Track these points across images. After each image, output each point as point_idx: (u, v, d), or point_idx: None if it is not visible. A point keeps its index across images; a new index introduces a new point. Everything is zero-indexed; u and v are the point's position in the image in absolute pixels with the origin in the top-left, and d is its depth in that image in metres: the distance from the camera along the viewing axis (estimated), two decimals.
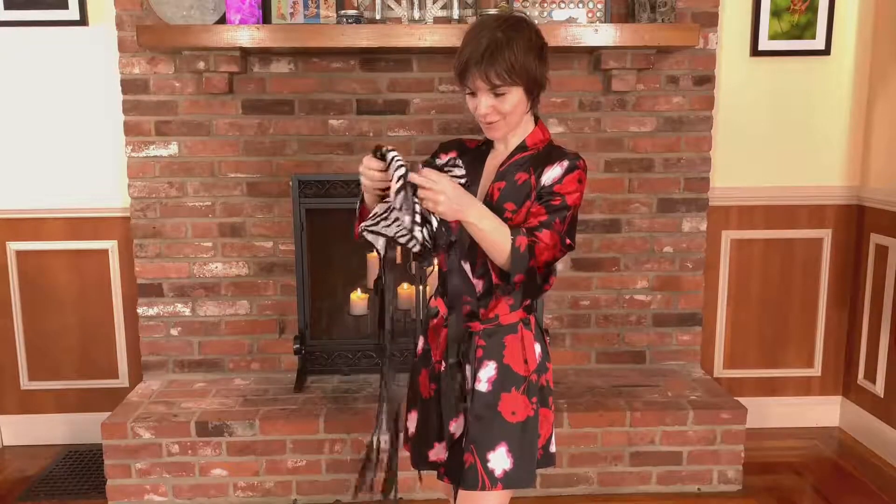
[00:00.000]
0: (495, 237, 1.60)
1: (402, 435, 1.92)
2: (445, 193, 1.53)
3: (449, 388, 1.76)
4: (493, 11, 2.77)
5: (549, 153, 1.72)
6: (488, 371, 1.74)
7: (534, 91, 1.69)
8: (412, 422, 1.91)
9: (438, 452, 1.83)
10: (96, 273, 3.17)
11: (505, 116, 1.67)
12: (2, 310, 3.17)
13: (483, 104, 1.66)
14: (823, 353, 3.36)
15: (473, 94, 1.67)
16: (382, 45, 2.73)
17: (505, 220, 1.66)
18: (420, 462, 1.87)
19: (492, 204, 1.70)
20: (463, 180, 1.71)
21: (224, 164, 3.01)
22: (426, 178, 1.53)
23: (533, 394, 1.76)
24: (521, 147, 1.74)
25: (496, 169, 1.75)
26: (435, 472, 1.87)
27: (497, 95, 1.64)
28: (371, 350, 3.13)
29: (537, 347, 1.79)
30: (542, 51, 1.68)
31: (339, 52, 2.90)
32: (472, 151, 1.83)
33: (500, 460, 1.72)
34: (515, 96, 1.65)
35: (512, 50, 1.61)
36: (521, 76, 1.63)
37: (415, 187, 1.53)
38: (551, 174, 1.68)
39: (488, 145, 1.81)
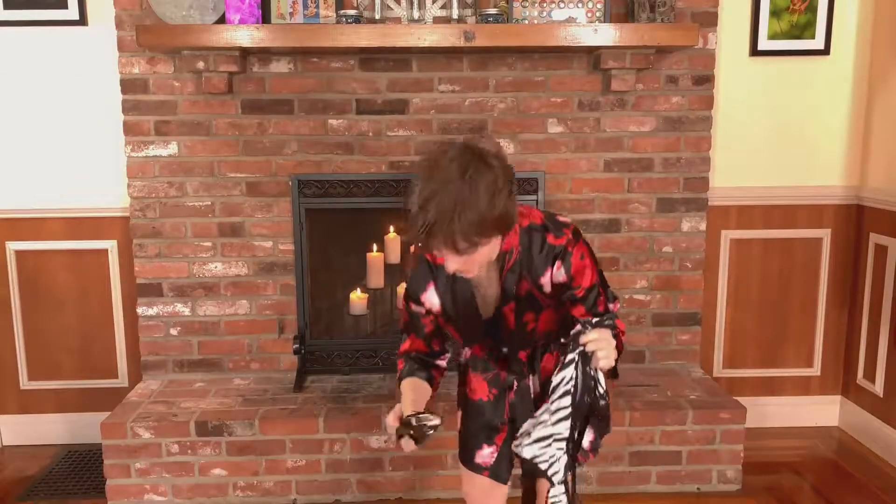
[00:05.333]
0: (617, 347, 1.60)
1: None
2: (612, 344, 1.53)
3: (522, 403, 1.83)
4: (492, 11, 2.77)
5: (531, 254, 1.64)
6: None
7: (507, 231, 1.56)
8: (459, 420, 1.97)
9: (484, 456, 1.88)
10: (96, 273, 3.17)
11: (481, 264, 1.57)
12: (1, 309, 3.17)
13: (451, 266, 1.53)
14: (823, 353, 3.36)
15: None
16: (382, 44, 2.73)
17: (530, 331, 1.71)
18: (468, 461, 1.92)
19: (510, 327, 1.72)
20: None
21: (223, 164, 3.01)
22: (600, 337, 1.51)
23: None
24: (501, 257, 1.64)
25: (495, 284, 1.68)
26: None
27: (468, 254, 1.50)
28: (370, 350, 3.13)
29: None
30: (510, 189, 1.51)
31: (339, 51, 2.90)
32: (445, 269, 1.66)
33: (584, 434, 1.76)
34: (487, 247, 1.52)
35: (480, 206, 1.44)
36: (493, 230, 1.49)
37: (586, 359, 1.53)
38: (558, 277, 1.64)
39: None
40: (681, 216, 3.12)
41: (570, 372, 1.53)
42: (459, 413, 1.96)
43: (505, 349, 1.80)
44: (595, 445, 1.82)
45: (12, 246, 3.14)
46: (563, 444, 1.56)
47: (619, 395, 2.90)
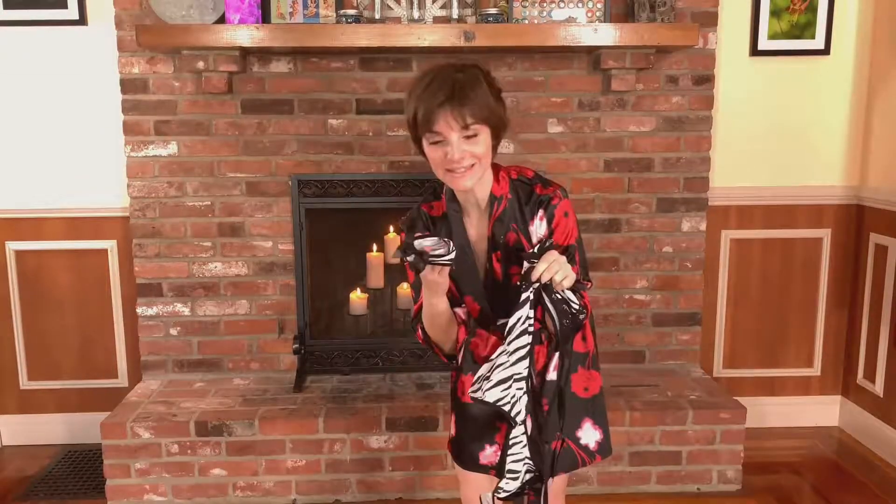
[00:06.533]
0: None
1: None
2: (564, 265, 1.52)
3: None
4: (492, 11, 2.77)
5: (520, 204, 1.70)
6: (552, 360, 1.70)
7: (498, 136, 1.66)
8: (452, 424, 1.93)
9: (489, 456, 1.84)
10: (96, 273, 3.17)
11: (480, 160, 1.62)
12: (1, 309, 3.17)
13: (457, 148, 1.59)
14: (823, 353, 3.36)
15: (437, 143, 1.61)
16: (382, 44, 2.73)
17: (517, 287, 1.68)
18: (470, 463, 1.88)
19: (498, 278, 1.71)
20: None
21: (223, 164, 3.01)
22: (549, 263, 1.50)
23: (595, 366, 1.81)
24: (492, 201, 1.71)
25: (485, 237, 1.72)
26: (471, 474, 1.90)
27: (468, 138, 1.59)
28: (370, 350, 3.13)
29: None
30: (500, 94, 1.66)
31: (339, 51, 2.90)
32: (442, 222, 1.76)
33: (589, 434, 1.77)
34: (486, 137, 1.62)
35: (481, 88, 1.60)
36: (492, 115, 1.61)
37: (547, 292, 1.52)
38: (537, 231, 1.68)
39: (452, 211, 1.75)
40: (681, 216, 3.12)
41: (525, 311, 1.53)
42: (453, 417, 1.92)
43: (499, 322, 1.76)
44: (604, 447, 1.79)
45: (12, 246, 3.14)
46: (522, 384, 1.57)
47: (619, 395, 2.90)
